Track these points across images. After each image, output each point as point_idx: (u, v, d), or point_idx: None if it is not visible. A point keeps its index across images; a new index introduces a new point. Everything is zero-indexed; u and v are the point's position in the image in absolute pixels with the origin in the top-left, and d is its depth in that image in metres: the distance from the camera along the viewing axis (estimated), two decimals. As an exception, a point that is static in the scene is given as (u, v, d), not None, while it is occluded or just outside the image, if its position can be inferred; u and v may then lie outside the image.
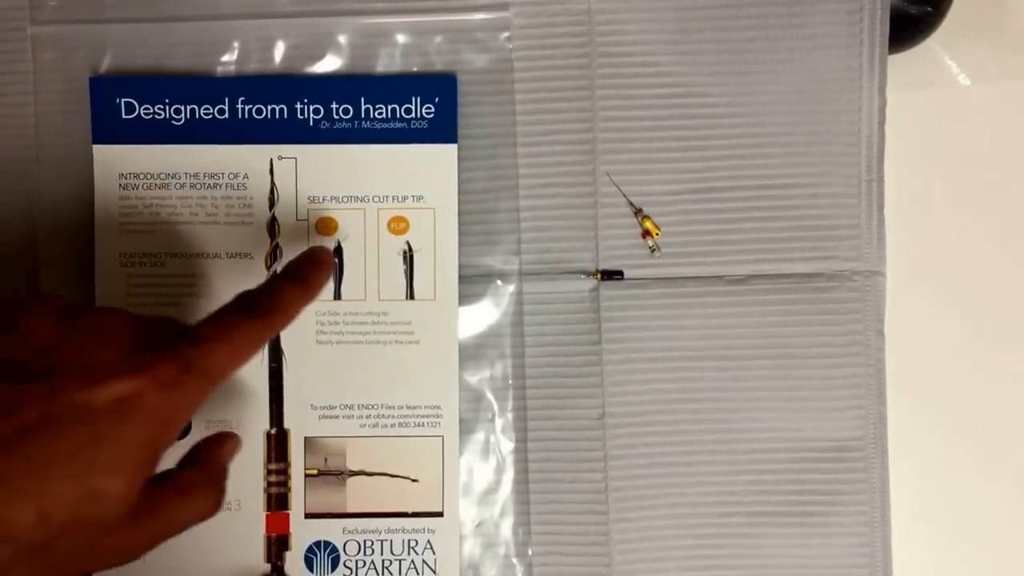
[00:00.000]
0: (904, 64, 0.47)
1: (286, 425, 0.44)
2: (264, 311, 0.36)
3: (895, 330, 0.45)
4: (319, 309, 0.44)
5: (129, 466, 0.32)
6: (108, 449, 0.31)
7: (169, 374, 0.32)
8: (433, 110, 0.44)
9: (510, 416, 0.45)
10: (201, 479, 0.36)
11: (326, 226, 0.44)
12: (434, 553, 0.44)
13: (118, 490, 0.32)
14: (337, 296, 0.44)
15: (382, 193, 0.44)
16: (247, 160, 0.44)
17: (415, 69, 0.45)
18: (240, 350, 0.35)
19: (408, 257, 0.44)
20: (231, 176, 0.44)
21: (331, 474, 0.44)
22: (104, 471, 0.31)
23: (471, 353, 0.45)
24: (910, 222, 0.47)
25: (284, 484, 0.44)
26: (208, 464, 0.38)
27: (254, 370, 0.44)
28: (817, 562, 0.45)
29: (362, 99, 0.44)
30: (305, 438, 0.44)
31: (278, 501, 0.44)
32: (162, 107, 0.44)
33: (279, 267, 0.44)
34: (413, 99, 0.44)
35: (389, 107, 0.44)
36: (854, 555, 0.45)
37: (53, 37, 0.45)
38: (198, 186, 0.44)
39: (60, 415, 0.31)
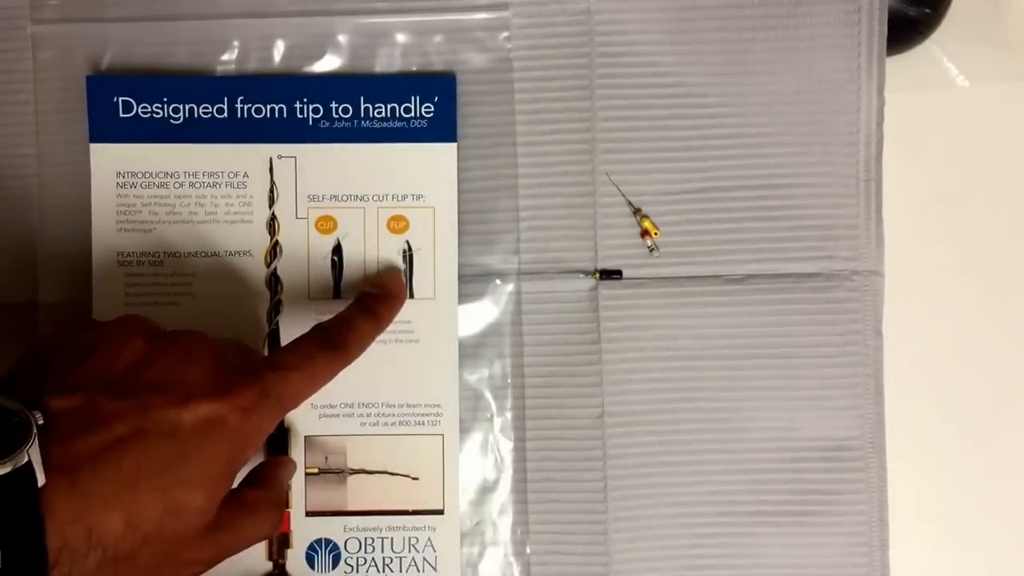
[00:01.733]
0: (903, 65, 0.47)
1: (286, 424, 0.44)
2: (338, 345, 0.38)
3: (893, 330, 0.45)
4: (319, 308, 0.44)
5: (210, 482, 0.34)
6: (192, 465, 0.33)
7: (250, 399, 0.34)
8: (432, 109, 0.44)
9: (509, 415, 0.45)
10: (267, 499, 0.38)
11: (326, 225, 0.44)
12: (435, 551, 0.44)
13: (199, 505, 0.34)
14: (336, 295, 0.44)
15: (381, 192, 0.44)
16: (246, 159, 0.44)
17: (414, 68, 0.45)
18: (314, 380, 0.37)
19: (408, 256, 0.44)
20: (231, 175, 0.44)
21: (332, 472, 0.44)
22: (188, 486, 0.33)
23: (470, 352, 0.45)
24: (908, 222, 0.47)
25: (284, 483, 0.44)
26: (273, 485, 0.40)
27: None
28: (815, 561, 0.45)
29: (362, 98, 0.44)
30: (305, 437, 0.44)
31: (278, 500, 0.44)
32: (160, 106, 0.44)
33: (278, 265, 0.44)
34: (412, 98, 0.44)
35: (388, 106, 0.44)
36: (852, 554, 0.45)
37: (53, 36, 0.45)
38: (197, 185, 0.44)
39: (150, 430, 0.33)
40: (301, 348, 0.38)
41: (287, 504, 0.44)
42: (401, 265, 0.44)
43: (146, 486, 0.32)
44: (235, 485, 0.37)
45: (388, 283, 0.43)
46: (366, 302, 0.41)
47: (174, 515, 0.33)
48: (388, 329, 0.44)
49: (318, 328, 0.39)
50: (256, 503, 0.38)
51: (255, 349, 0.38)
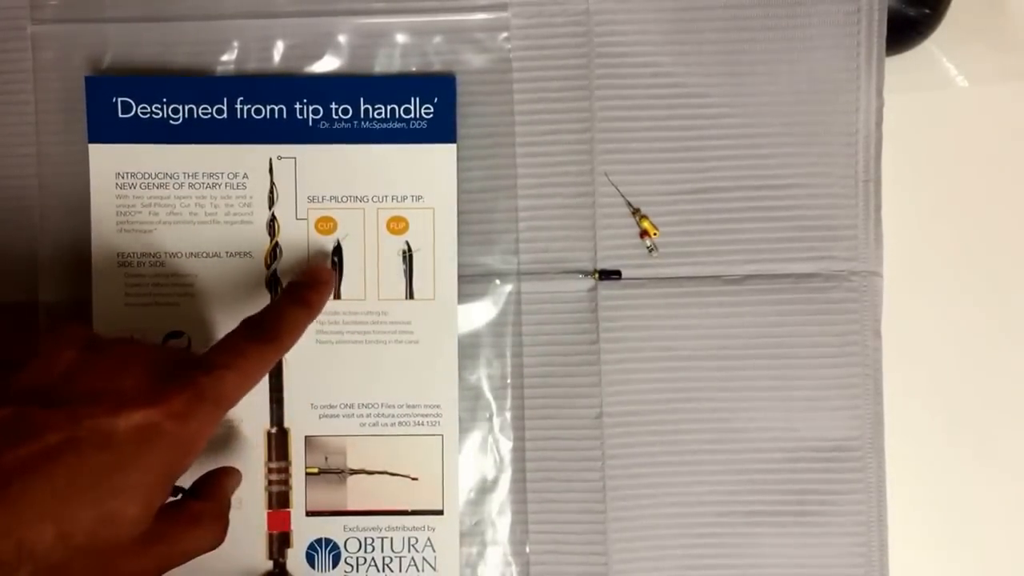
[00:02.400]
0: (902, 66, 0.47)
1: (286, 424, 0.44)
2: (270, 337, 0.38)
3: (892, 330, 0.45)
4: (319, 309, 0.44)
5: (145, 491, 0.33)
6: (126, 474, 0.33)
7: (184, 404, 0.34)
8: (432, 110, 0.44)
9: (508, 415, 0.45)
10: (209, 511, 0.38)
11: (325, 226, 0.44)
12: (434, 551, 0.44)
13: (134, 514, 0.33)
14: (337, 296, 0.44)
15: (381, 193, 0.44)
16: (246, 160, 0.44)
17: (414, 69, 0.45)
18: (249, 376, 0.37)
19: (407, 257, 0.44)
20: (230, 176, 0.44)
21: (332, 472, 0.44)
22: (122, 495, 0.33)
23: (469, 352, 0.45)
24: (907, 223, 0.47)
25: (285, 483, 0.44)
26: (215, 497, 0.39)
27: (254, 370, 0.44)
28: (813, 561, 0.45)
29: (361, 99, 0.44)
30: (306, 437, 0.44)
31: (279, 499, 0.44)
32: (159, 106, 0.44)
33: (278, 266, 0.44)
34: (412, 99, 0.44)
35: (388, 107, 0.44)
36: (850, 554, 0.45)
37: (53, 36, 0.45)
38: (197, 186, 0.44)
39: (82, 440, 0.32)
40: (233, 345, 0.37)
41: (286, 505, 0.44)
42: (401, 266, 0.44)
43: (79, 497, 0.32)
44: (179, 496, 0.38)
45: (315, 270, 0.42)
46: (294, 290, 0.41)
47: (108, 525, 0.32)
48: (388, 330, 0.44)
49: (248, 322, 0.38)
50: (199, 515, 0.37)
51: (192, 353, 0.38)
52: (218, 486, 0.40)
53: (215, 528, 0.38)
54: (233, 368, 0.36)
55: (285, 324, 0.39)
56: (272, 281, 0.44)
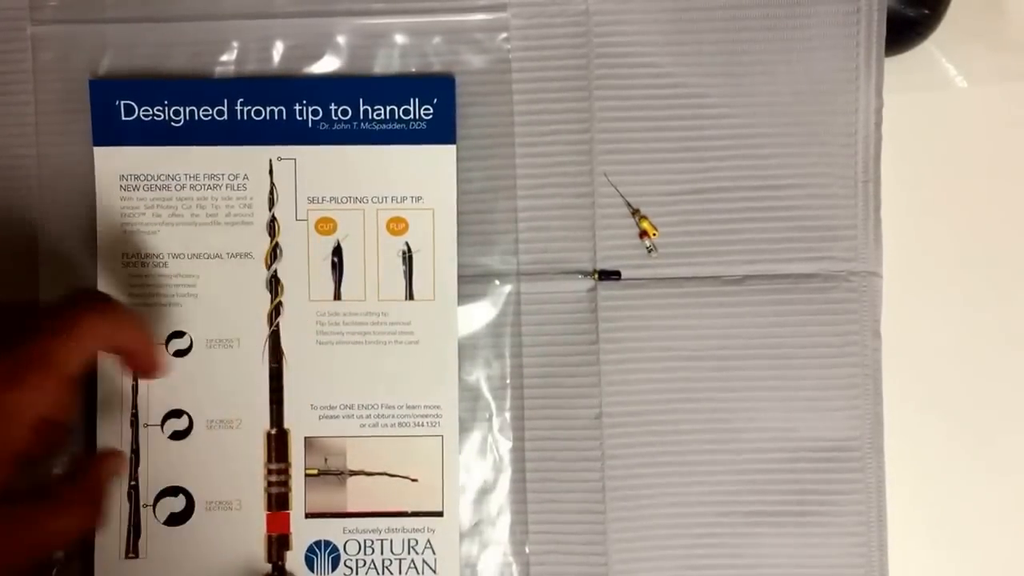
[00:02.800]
0: (902, 66, 0.47)
1: (286, 425, 0.44)
2: (107, 307, 0.37)
3: (891, 330, 0.45)
4: (319, 310, 0.44)
5: None
6: None
7: (2, 368, 0.33)
8: (431, 111, 0.44)
9: (508, 416, 0.45)
10: (77, 494, 0.37)
11: (325, 226, 0.44)
12: (434, 552, 0.44)
13: None
14: (337, 297, 0.44)
15: (381, 194, 0.44)
16: (247, 161, 0.44)
17: (413, 70, 0.45)
18: (84, 343, 0.35)
19: (407, 257, 0.45)
20: (231, 177, 0.44)
21: (331, 474, 0.44)
22: None
23: (469, 353, 0.45)
24: (906, 223, 0.47)
25: (284, 484, 0.44)
26: (86, 480, 0.38)
27: (254, 370, 0.44)
28: (813, 561, 0.45)
29: (361, 100, 0.44)
30: (305, 438, 0.44)
31: (278, 501, 0.44)
32: (161, 109, 0.44)
33: (279, 267, 0.44)
34: (412, 100, 0.44)
35: (388, 108, 0.44)
36: (850, 554, 0.45)
37: (53, 37, 0.45)
38: (198, 187, 0.44)
39: None
40: (67, 310, 0.36)
41: (286, 506, 0.44)
42: (401, 267, 0.44)
43: None
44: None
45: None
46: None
47: None
48: (388, 330, 0.44)
49: (95, 291, 0.38)
50: (65, 500, 0.36)
51: (32, 320, 0.36)
52: (92, 469, 0.39)
53: (85, 513, 0.37)
54: (66, 333, 0.35)
55: (128, 311, 0.39)
56: (272, 281, 0.44)
